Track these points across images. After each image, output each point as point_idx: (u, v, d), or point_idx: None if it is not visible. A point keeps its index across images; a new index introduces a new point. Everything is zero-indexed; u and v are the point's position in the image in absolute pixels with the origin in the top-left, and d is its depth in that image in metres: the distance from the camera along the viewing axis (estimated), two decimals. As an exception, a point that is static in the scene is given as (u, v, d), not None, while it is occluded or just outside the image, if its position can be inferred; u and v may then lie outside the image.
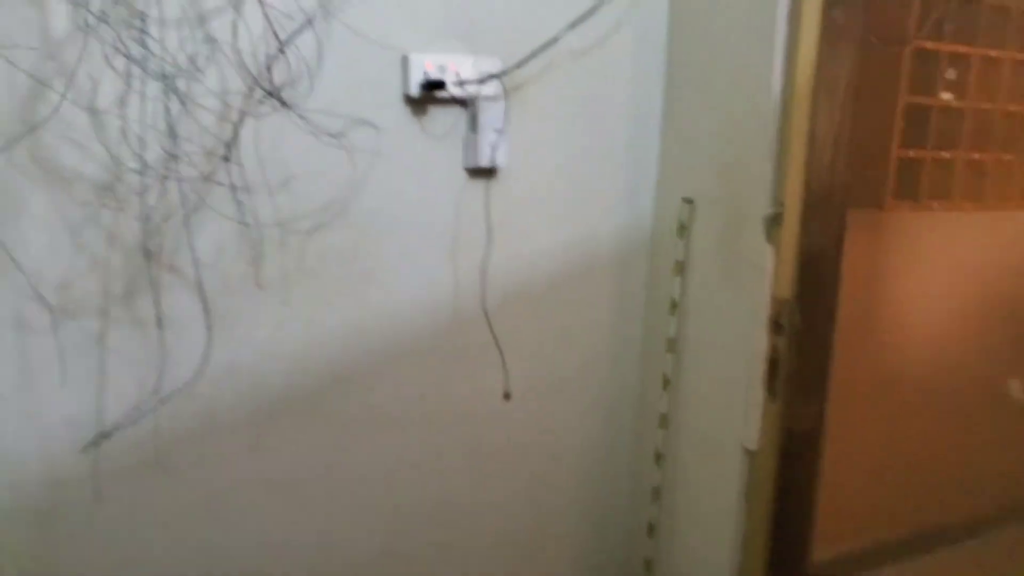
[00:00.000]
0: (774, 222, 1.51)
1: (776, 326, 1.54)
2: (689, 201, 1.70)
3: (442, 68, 1.53)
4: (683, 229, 1.72)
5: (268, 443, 1.54)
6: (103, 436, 1.37)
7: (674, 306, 1.75)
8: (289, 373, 1.52)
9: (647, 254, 1.83)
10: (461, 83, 1.55)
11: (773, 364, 1.56)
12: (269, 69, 1.28)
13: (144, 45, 1.21)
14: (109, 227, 1.32)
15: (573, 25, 1.60)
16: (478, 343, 1.69)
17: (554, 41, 1.60)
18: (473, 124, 1.59)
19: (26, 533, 1.38)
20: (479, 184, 1.63)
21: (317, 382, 1.55)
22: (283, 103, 1.28)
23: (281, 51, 1.26)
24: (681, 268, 1.74)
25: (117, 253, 1.33)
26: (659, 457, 1.84)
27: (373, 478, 1.66)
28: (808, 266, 1.55)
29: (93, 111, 1.25)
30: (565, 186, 1.72)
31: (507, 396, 1.73)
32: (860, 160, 1.65)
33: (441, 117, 1.57)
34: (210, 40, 1.27)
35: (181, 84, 1.26)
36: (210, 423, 1.47)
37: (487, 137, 1.59)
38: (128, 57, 1.20)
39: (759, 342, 1.55)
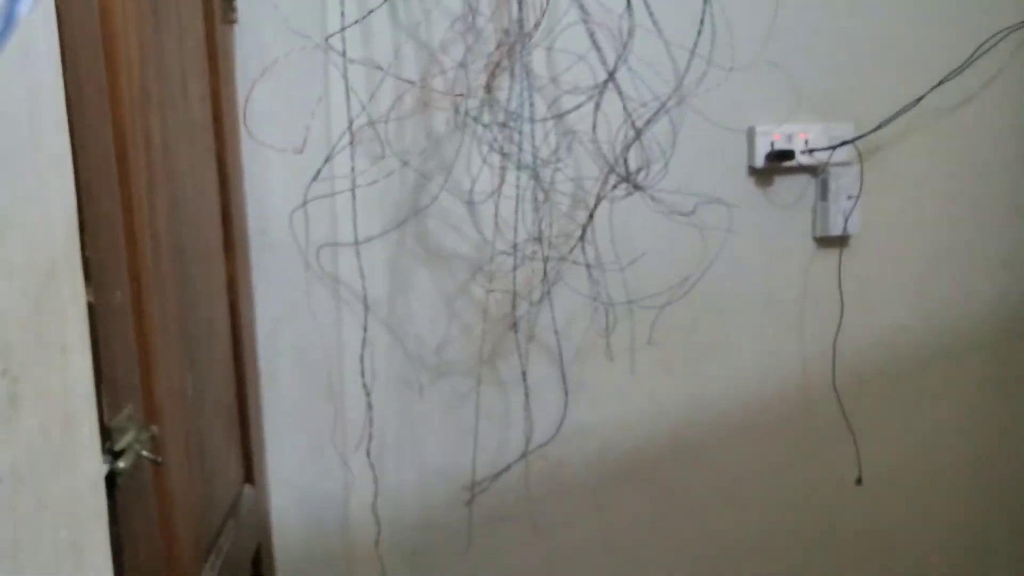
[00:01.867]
0: None
1: None
2: (1087, 271, 1.48)
3: (789, 138, 1.51)
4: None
5: (607, 508, 1.59)
6: (480, 489, 1.52)
7: (1067, 391, 1.52)
8: (632, 440, 1.57)
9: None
10: (810, 151, 1.51)
11: None
12: (625, 156, 1.36)
13: (512, 140, 1.35)
14: (480, 300, 1.47)
15: (943, 81, 1.49)
16: (827, 424, 1.60)
17: (917, 102, 1.50)
18: (823, 192, 1.54)
19: (401, 570, 1.56)
20: (829, 254, 1.57)
21: (658, 452, 1.58)
22: (636, 187, 1.35)
23: (638, 138, 1.33)
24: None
25: (486, 323, 1.48)
26: (1047, 564, 1.59)
27: (710, 554, 1.64)
28: None
29: (470, 201, 1.42)
30: (929, 254, 1.59)
31: (859, 481, 1.61)
32: None
33: (788, 187, 1.54)
34: (570, 132, 1.39)
35: (545, 174, 1.38)
36: (561, 483, 1.56)
37: (839, 204, 1.53)
38: (500, 152, 1.35)
39: None
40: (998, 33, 1.50)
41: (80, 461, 0.68)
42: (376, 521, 1.51)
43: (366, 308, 1.43)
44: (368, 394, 1.46)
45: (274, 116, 1.36)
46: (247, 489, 1.39)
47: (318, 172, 1.37)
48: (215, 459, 1.21)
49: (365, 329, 1.43)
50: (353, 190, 1.36)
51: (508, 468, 1.52)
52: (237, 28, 1.36)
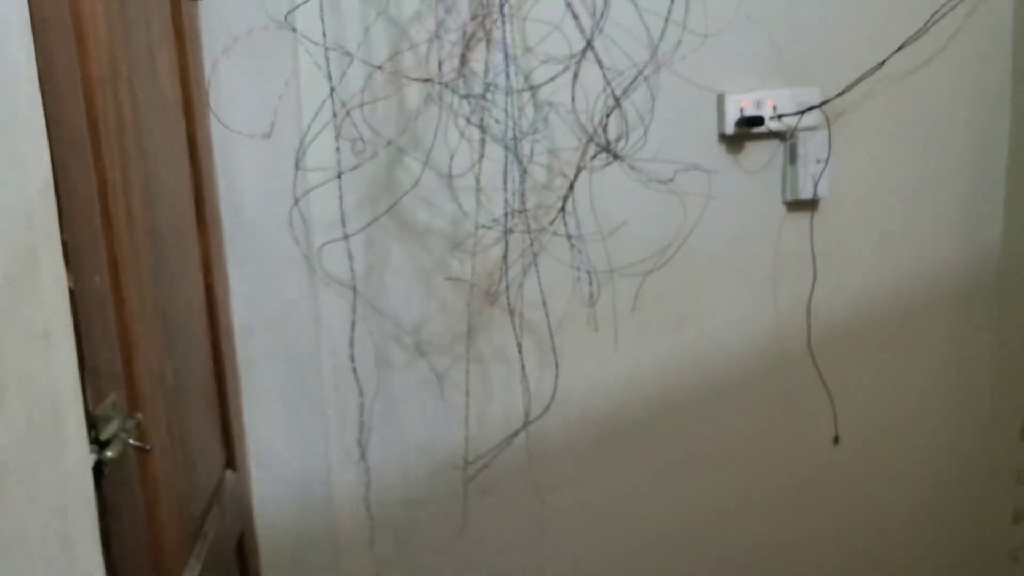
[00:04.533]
0: None
1: None
2: (1051, 227, 1.51)
3: (758, 104, 1.51)
4: (1044, 259, 1.53)
5: (592, 475, 1.60)
6: (481, 465, 1.52)
7: (1033, 344, 1.56)
8: (613, 407, 1.58)
9: (994, 290, 1.65)
10: (779, 117, 1.52)
11: None
12: (604, 125, 1.35)
13: (491, 114, 1.34)
14: (458, 275, 1.46)
15: (902, 46, 1.50)
16: (803, 383, 1.63)
17: (880, 66, 1.51)
18: (792, 156, 1.55)
19: (391, 549, 1.56)
20: (800, 217, 1.58)
21: (641, 418, 1.59)
22: (616, 156, 1.34)
23: (618, 106, 1.32)
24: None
25: (464, 298, 1.47)
26: (1018, 516, 1.64)
27: (692, 515, 1.66)
28: None
29: (449, 175, 1.40)
30: (894, 217, 1.61)
31: (836, 440, 1.64)
32: None
33: (758, 152, 1.55)
34: (547, 103, 1.38)
35: (524, 146, 1.37)
36: (544, 454, 1.57)
37: (808, 168, 1.54)
38: (478, 126, 1.33)
39: None
40: (953, -2, 1.52)
41: (67, 451, 0.66)
42: (367, 506, 1.51)
43: (355, 292, 1.42)
44: (358, 381, 1.44)
45: (240, 97, 1.33)
46: (229, 474, 1.38)
47: (298, 159, 1.34)
48: (197, 445, 1.19)
49: (354, 311, 1.41)
50: (340, 175, 1.34)
51: (509, 442, 1.52)
52: (202, 5, 1.32)
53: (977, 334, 1.67)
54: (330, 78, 1.30)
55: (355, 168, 1.38)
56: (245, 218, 1.39)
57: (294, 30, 1.30)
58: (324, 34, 1.28)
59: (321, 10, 1.28)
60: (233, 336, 1.43)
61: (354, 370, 1.44)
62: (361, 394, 1.46)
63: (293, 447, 1.49)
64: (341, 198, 1.36)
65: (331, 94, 1.31)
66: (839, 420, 1.64)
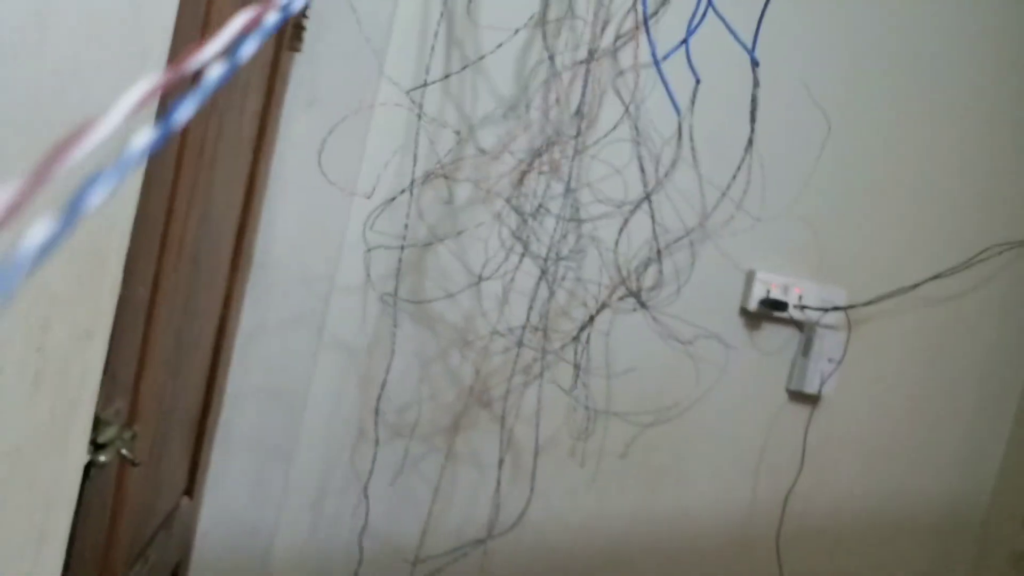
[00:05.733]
0: None
1: None
2: (1037, 486, 1.54)
3: (786, 289, 1.56)
4: (1025, 515, 1.54)
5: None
6: (432, 568, 1.49)
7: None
8: (576, 543, 1.57)
9: (977, 535, 1.66)
10: (802, 307, 1.57)
11: None
12: (640, 274, 1.40)
13: (534, 232, 1.39)
14: (456, 371, 1.48)
15: (939, 276, 1.57)
16: (763, 572, 1.62)
17: (912, 288, 1.57)
18: (806, 348, 1.59)
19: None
20: (800, 409, 1.61)
21: (598, 561, 1.58)
22: (643, 304, 1.39)
23: (659, 260, 1.38)
24: (1020, 561, 1.54)
25: (457, 395, 1.49)
26: None
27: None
28: None
29: (479, 276, 1.45)
30: (893, 434, 1.63)
31: (784, 640, 1.62)
32: None
33: (774, 336, 1.59)
34: (594, 238, 1.44)
35: (560, 270, 1.42)
36: (495, 571, 1.54)
37: (819, 364, 1.58)
38: (521, 240, 1.38)
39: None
40: (998, 245, 1.59)
41: (70, 449, 0.68)
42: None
43: (392, 352, 1.43)
44: (377, 442, 1.45)
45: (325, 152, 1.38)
46: (185, 501, 1.36)
47: (373, 218, 1.39)
48: (168, 468, 1.19)
49: (388, 372, 1.43)
50: (402, 248, 1.39)
51: (465, 553, 1.50)
52: (297, 56, 1.40)
53: (946, 568, 1.67)
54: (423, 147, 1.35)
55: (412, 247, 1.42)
56: (272, 260, 1.41)
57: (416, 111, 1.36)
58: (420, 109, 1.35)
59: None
60: (229, 371, 1.44)
61: (376, 431, 1.43)
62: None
63: (250, 492, 1.47)
64: (398, 279, 1.39)
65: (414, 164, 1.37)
66: (791, 621, 1.62)
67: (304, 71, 1.39)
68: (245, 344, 1.43)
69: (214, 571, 1.47)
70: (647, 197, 1.32)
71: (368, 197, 1.38)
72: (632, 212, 1.35)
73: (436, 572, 1.49)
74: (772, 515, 1.61)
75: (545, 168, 1.32)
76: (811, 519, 1.62)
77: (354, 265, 1.44)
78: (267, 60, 1.26)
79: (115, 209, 0.66)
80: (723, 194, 1.39)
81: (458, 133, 1.40)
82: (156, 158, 0.78)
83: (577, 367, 1.44)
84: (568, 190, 1.36)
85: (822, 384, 1.58)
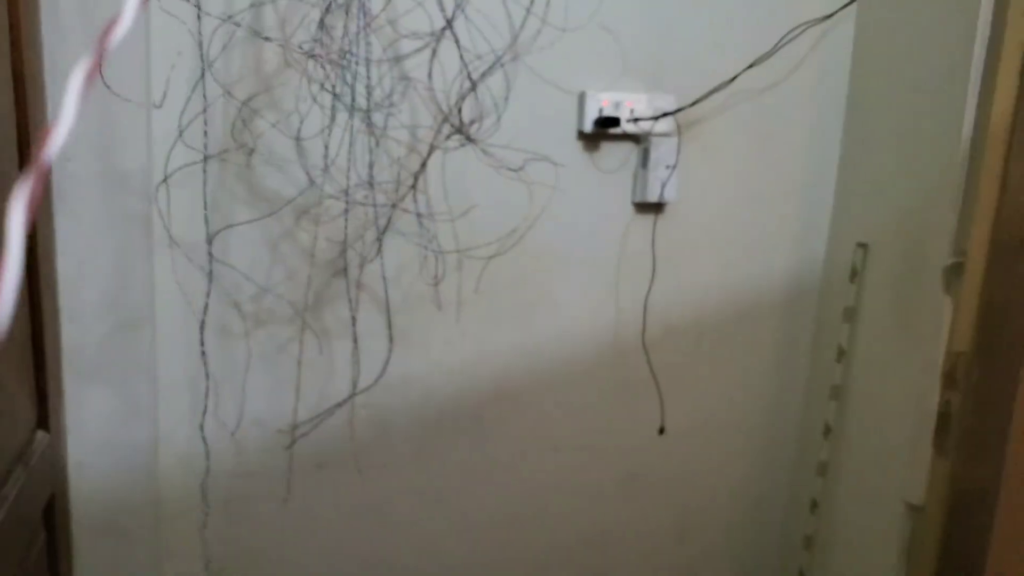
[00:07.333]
0: (954, 272, 1.44)
1: (950, 380, 1.47)
2: (863, 246, 1.66)
3: (617, 105, 1.57)
4: (855, 275, 1.67)
5: (430, 454, 1.62)
6: (300, 433, 1.50)
7: (841, 353, 1.70)
8: (455, 389, 1.60)
9: (816, 299, 1.79)
10: (635, 120, 1.58)
11: (945, 419, 1.48)
12: (459, 107, 1.36)
13: (346, 82, 1.32)
14: (304, 245, 1.44)
15: (752, 65, 1.60)
16: (637, 376, 1.71)
17: (731, 80, 1.61)
18: (644, 160, 1.62)
19: (218, 519, 1.52)
20: (647, 219, 1.66)
21: (481, 399, 1.62)
22: (469, 139, 1.36)
23: (473, 90, 1.34)
24: (851, 315, 1.69)
25: (310, 268, 1.45)
26: (815, 505, 1.78)
27: (527, 497, 1.71)
28: (990, 318, 1.47)
29: (298, 139, 1.38)
30: (734, 225, 1.71)
31: (662, 431, 1.74)
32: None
33: (613, 153, 1.61)
34: (406, 78, 1.38)
35: (378, 118, 1.37)
36: (384, 431, 1.57)
37: (657, 173, 1.62)
38: (332, 93, 1.32)
39: (931, 395, 1.48)
40: (800, 26, 1.64)
41: None
42: (196, 476, 1.46)
43: (210, 257, 1.37)
44: (204, 354, 1.40)
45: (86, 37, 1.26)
46: (40, 435, 1.30)
47: (181, 132, 1.29)
48: (3, 401, 1.12)
49: (210, 279, 1.36)
50: (205, 160, 1.30)
51: (332, 412, 1.51)
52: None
53: (796, 341, 1.81)
54: (201, 47, 1.26)
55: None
56: (77, 167, 1.31)
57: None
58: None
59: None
60: (56, 290, 1.35)
61: (202, 343, 1.39)
62: (207, 377, 1.41)
63: (119, 412, 1.42)
64: (206, 190, 1.31)
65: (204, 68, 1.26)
66: (666, 412, 1.74)
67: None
68: (70, 258, 1.33)
69: (99, 500, 1.43)
70: (448, 23, 1.27)
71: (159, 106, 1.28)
72: (438, 41, 1.30)
73: (310, 440, 1.50)
74: (635, 321, 1.68)
75: (341, 2, 1.24)
76: (671, 318, 1.71)
77: (168, 154, 1.34)
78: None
79: None
80: (527, 10, 1.35)
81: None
82: None
83: (419, 215, 1.43)
84: (361, 24, 1.29)
85: (663, 191, 1.62)
